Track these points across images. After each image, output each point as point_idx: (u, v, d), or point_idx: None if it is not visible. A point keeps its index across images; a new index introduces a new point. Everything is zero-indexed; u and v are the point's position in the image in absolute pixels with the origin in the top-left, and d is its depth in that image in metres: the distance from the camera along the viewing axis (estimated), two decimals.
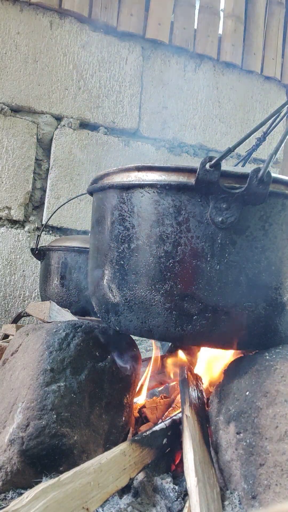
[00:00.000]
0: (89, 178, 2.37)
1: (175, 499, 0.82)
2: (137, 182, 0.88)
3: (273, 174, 0.79)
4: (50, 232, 2.37)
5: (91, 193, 1.05)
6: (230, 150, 0.80)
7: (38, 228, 2.34)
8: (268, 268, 0.83)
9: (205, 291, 0.82)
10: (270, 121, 1.21)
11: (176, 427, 0.94)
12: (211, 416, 0.92)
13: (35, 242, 2.13)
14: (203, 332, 0.85)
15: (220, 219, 0.80)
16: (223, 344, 0.91)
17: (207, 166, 0.78)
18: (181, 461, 0.90)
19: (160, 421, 1.07)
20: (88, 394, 0.92)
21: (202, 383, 1.05)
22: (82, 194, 2.00)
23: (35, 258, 2.05)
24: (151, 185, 0.85)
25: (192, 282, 0.83)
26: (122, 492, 0.82)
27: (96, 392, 0.93)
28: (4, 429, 0.88)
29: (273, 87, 2.88)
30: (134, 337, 1.10)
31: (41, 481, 0.81)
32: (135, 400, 1.11)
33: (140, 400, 1.19)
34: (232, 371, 0.92)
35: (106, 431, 0.93)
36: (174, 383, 1.27)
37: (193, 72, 2.67)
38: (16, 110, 2.32)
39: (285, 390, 0.78)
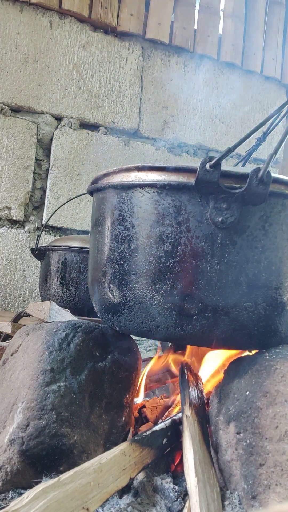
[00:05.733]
0: (89, 178, 2.37)
1: (175, 499, 0.82)
2: (137, 182, 0.88)
3: (273, 174, 0.79)
4: (50, 232, 2.37)
5: (91, 193, 1.05)
6: (230, 150, 0.80)
7: (38, 228, 2.34)
8: (268, 268, 0.83)
9: (205, 291, 0.82)
10: (270, 121, 1.21)
11: (176, 427, 0.94)
12: (211, 416, 0.92)
13: (35, 242, 2.13)
14: (203, 332, 0.85)
15: (220, 219, 0.80)
16: (223, 344, 0.90)
17: (207, 166, 0.78)
18: (181, 461, 0.90)
19: (160, 421, 1.07)
20: (88, 394, 0.92)
21: (202, 383, 1.05)
22: (82, 194, 2.00)
23: (35, 258, 2.05)
24: (151, 185, 0.85)
25: (192, 282, 0.83)
26: (122, 492, 0.81)
27: (96, 392, 0.93)
28: (4, 429, 0.88)
29: (273, 87, 2.88)
30: (134, 337, 1.10)
31: (41, 481, 0.81)
32: (135, 400, 1.11)
33: (140, 400, 1.19)
34: (232, 371, 0.92)
35: (106, 431, 0.93)
36: (174, 383, 1.27)
37: (193, 72, 2.67)
38: (16, 110, 2.32)
39: (285, 390, 0.78)
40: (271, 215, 0.83)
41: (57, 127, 2.37)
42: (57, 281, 1.83)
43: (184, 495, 0.83)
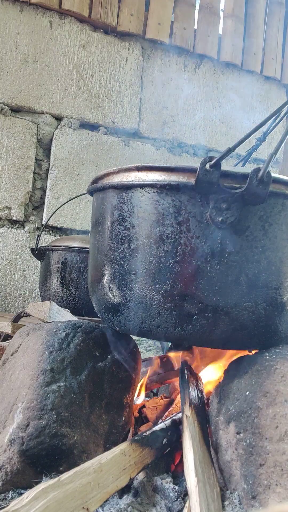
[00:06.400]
0: (89, 178, 2.37)
1: (175, 499, 0.82)
2: (137, 182, 0.88)
3: (273, 174, 0.79)
4: (50, 232, 2.37)
5: (91, 193, 1.05)
6: (230, 150, 0.80)
7: (38, 228, 2.34)
8: (268, 268, 0.83)
9: (205, 291, 0.82)
10: (270, 121, 1.21)
11: (176, 427, 0.94)
12: (211, 416, 0.92)
13: (35, 242, 2.13)
14: (203, 332, 0.85)
15: (220, 219, 0.80)
16: (223, 344, 0.90)
17: (207, 166, 0.78)
18: (181, 461, 0.90)
19: (160, 421, 1.07)
20: (88, 394, 0.92)
21: (202, 383, 1.05)
22: (82, 194, 2.00)
23: (35, 258, 2.05)
24: (151, 185, 0.85)
25: (192, 282, 0.83)
26: (122, 492, 0.81)
27: (96, 392, 0.93)
28: (4, 429, 0.88)
29: (273, 87, 2.88)
30: (134, 337, 1.10)
31: (41, 481, 0.81)
32: (135, 400, 1.11)
33: (140, 400, 1.19)
34: (232, 371, 0.92)
35: (106, 431, 0.93)
36: (174, 383, 1.27)
37: (193, 72, 2.67)
38: (16, 110, 2.32)
39: (285, 390, 0.78)
40: (271, 215, 0.83)
41: (57, 127, 2.37)
42: (57, 281, 1.83)
43: (184, 495, 0.83)
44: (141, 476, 0.84)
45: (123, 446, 0.82)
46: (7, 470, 0.83)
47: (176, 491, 0.84)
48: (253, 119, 2.80)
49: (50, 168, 2.36)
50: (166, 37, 2.55)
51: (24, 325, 1.23)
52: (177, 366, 1.23)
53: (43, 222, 2.33)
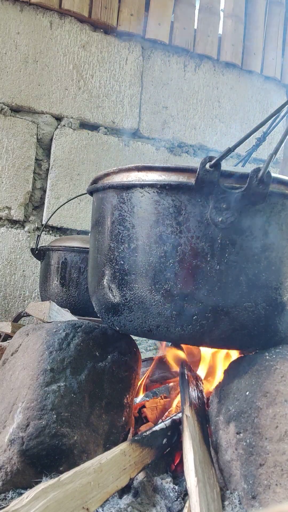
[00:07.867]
0: (89, 178, 2.37)
1: (175, 499, 0.82)
2: (137, 182, 0.88)
3: (273, 174, 0.79)
4: (50, 232, 2.37)
5: (91, 193, 1.05)
6: (230, 150, 0.80)
7: (38, 228, 2.34)
8: (268, 268, 0.84)
9: (205, 291, 0.82)
10: (270, 121, 1.21)
11: (176, 427, 0.94)
12: (211, 416, 0.92)
13: (35, 242, 2.13)
14: (203, 332, 0.85)
15: (220, 219, 0.80)
16: (223, 344, 0.91)
17: (207, 166, 0.78)
18: (181, 461, 0.90)
19: (160, 421, 1.07)
20: (88, 394, 0.92)
21: (202, 383, 1.05)
22: (82, 194, 2.00)
23: (35, 258, 2.05)
24: (151, 185, 0.85)
25: (192, 282, 0.83)
26: (122, 492, 0.81)
27: (96, 392, 0.93)
28: (4, 429, 0.88)
29: (273, 87, 2.88)
30: (134, 337, 1.10)
31: (41, 481, 0.81)
32: (135, 400, 1.11)
33: (140, 400, 1.19)
34: (232, 371, 0.92)
35: (106, 431, 0.93)
36: (174, 383, 1.27)
37: (193, 72, 2.67)
38: (16, 110, 2.31)
39: (285, 390, 0.78)
40: (271, 215, 0.83)
41: (57, 127, 2.37)
42: (57, 281, 1.83)
43: (184, 495, 0.83)
44: (141, 476, 0.84)
45: (123, 446, 0.82)
46: (7, 470, 0.84)
47: (176, 491, 0.84)
48: (253, 119, 2.80)
49: (50, 168, 2.36)
50: (166, 37, 2.55)
51: (24, 325, 1.23)
52: (176, 366, 1.23)
53: (43, 222, 2.33)
